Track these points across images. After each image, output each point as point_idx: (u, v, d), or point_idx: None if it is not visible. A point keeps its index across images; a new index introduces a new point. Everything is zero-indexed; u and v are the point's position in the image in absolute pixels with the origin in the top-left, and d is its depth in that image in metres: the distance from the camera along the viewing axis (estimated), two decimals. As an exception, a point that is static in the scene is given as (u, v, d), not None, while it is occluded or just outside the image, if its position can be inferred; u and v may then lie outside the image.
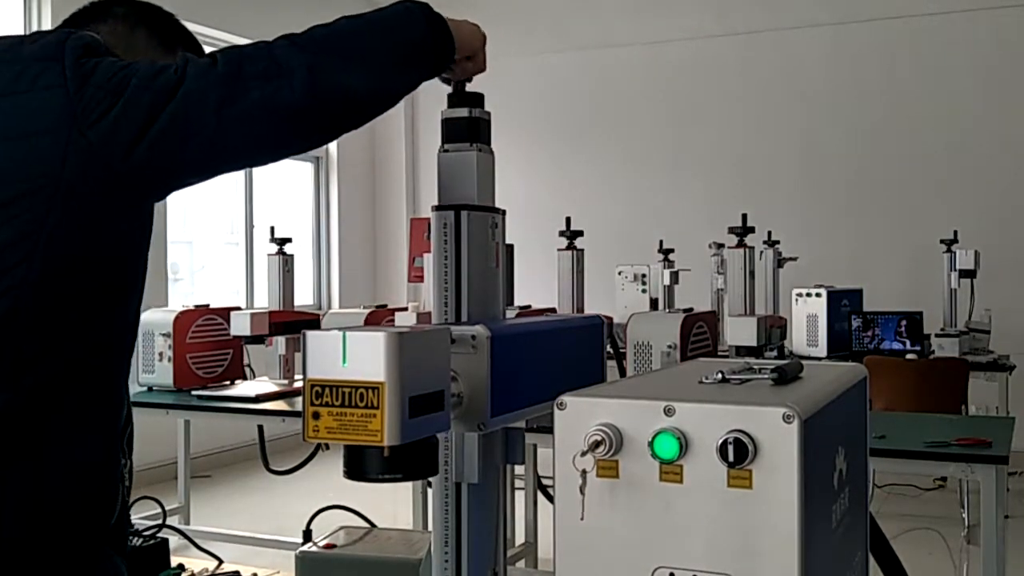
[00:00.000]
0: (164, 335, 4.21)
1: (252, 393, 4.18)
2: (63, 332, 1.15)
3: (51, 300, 1.13)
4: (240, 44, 1.23)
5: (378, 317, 4.40)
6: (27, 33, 1.31)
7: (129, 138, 1.14)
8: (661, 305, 5.96)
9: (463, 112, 1.40)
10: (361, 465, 1.08)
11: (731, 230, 4.40)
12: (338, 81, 1.19)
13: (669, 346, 2.89)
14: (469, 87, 1.42)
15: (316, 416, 1.04)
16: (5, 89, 1.16)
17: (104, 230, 1.18)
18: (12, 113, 1.15)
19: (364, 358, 1.03)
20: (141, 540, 1.89)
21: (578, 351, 1.51)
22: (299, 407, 3.88)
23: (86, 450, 1.18)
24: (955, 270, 5.86)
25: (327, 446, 1.09)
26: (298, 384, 4.20)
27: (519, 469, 4.54)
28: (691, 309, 3.19)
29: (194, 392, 4.23)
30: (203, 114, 1.15)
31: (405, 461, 1.08)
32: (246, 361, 4.62)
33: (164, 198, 1.25)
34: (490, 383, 1.22)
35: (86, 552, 1.18)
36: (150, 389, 4.28)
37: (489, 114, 1.42)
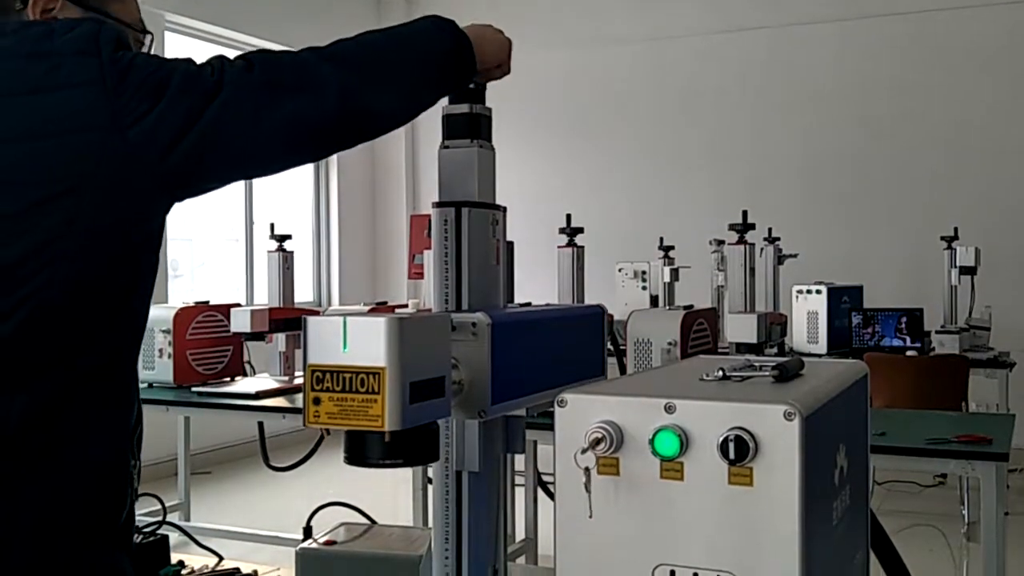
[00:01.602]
0: (164, 331, 4.21)
1: (252, 390, 4.18)
2: (84, 334, 1.15)
3: (76, 302, 1.12)
4: (271, 50, 1.24)
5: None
6: (53, 20, 1.27)
7: (167, 141, 1.13)
8: (661, 302, 5.96)
9: (464, 108, 1.40)
10: (362, 450, 1.08)
11: (731, 227, 4.40)
12: (366, 101, 1.23)
13: (669, 343, 2.89)
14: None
15: (317, 401, 1.04)
16: (39, 84, 1.13)
17: (131, 231, 1.17)
18: (46, 110, 1.13)
19: (365, 343, 1.03)
20: (141, 537, 1.89)
21: (578, 340, 1.51)
22: (299, 404, 3.88)
23: (101, 452, 1.18)
24: (956, 267, 5.86)
25: (328, 432, 1.09)
26: (298, 381, 4.20)
27: (519, 465, 4.55)
28: (691, 306, 3.19)
29: (194, 389, 4.23)
30: (240, 122, 1.16)
31: (406, 446, 1.08)
32: (246, 358, 4.62)
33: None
34: (491, 370, 1.22)
35: (96, 552, 1.18)
36: (150, 385, 4.28)
37: (490, 110, 1.42)
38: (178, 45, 6.78)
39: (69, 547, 1.15)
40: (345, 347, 1.03)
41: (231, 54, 1.23)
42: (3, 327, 1.09)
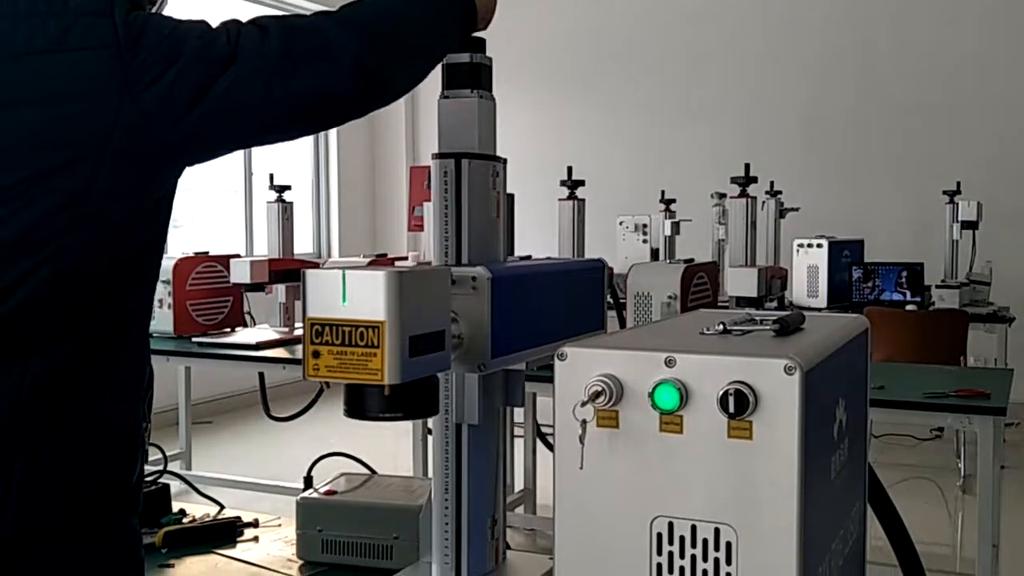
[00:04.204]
0: (164, 282, 4.21)
1: (252, 340, 4.19)
2: (98, 299, 1.14)
3: (91, 268, 1.12)
4: (286, 16, 1.22)
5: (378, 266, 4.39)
6: None
7: (180, 108, 1.12)
8: (662, 256, 5.95)
9: (464, 57, 1.38)
10: (361, 404, 1.09)
11: (733, 180, 4.38)
12: (382, 73, 1.21)
13: (669, 297, 2.89)
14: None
15: (316, 355, 1.04)
16: (52, 45, 1.11)
17: (145, 197, 1.16)
18: (60, 73, 1.10)
19: (364, 297, 1.03)
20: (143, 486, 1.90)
21: (579, 294, 1.51)
22: (299, 355, 3.90)
23: (115, 416, 1.18)
24: (957, 221, 5.84)
25: (328, 384, 1.09)
26: (298, 332, 4.21)
27: (519, 417, 4.58)
28: (692, 260, 3.18)
29: (194, 339, 4.24)
30: (255, 92, 1.15)
31: (405, 400, 1.08)
32: (246, 309, 4.63)
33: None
34: (491, 324, 1.21)
35: (107, 514, 1.19)
36: (151, 336, 4.29)
37: (491, 59, 1.40)
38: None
39: (83, 508, 1.16)
40: (344, 300, 1.03)
41: (245, 9, 1.21)
42: (22, 290, 1.09)
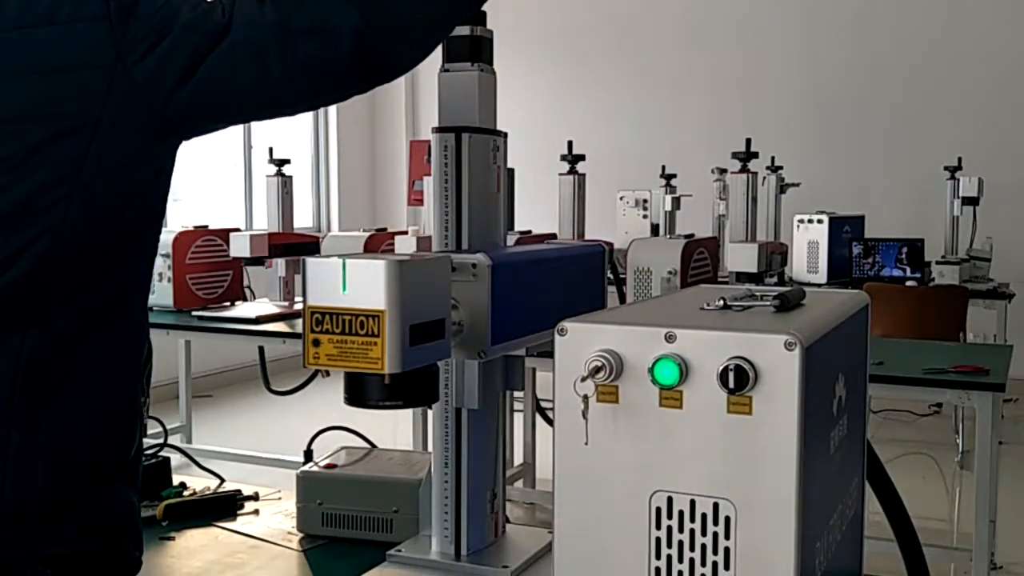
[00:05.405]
0: (164, 255, 4.21)
1: (252, 314, 4.20)
2: (97, 272, 1.14)
3: (88, 240, 1.11)
4: None
5: (378, 241, 4.39)
6: None
7: (173, 80, 1.11)
8: (662, 231, 5.95)
9: (465, 30, 1.37)
10: (361, 392, 1.09)
11: (734, 155, 4.37)
12: (382, 49, 1.17)
13: (669, 272, 2.89)
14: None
15: (316, 343, 1.04)
16: (43, 18, 1.10)
17: (140, 170, 1.16)
18: (52, 45, 1.10)
19: (364, 286, 1.02)
20: (143, 459, 1.90)
21: (579, 279, 1.50)
22: (299, 328, 3.91)
23: (113, 388, 1.18)
24: (958, 197, 5.83)
25: (327, 372, 1.09)
26: (298, 306, 4.21)
27: (518, 392, 4.59)
28: (692, 235, 3.18)
29: (194, 313, 4.24)
30: (249, 65, 1.13)
31: (405, 389, 1.08)
32: (246, 282, 4.63)
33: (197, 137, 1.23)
34: (490, 311, 1.21)
35: (105, 487, 1.19)
36: (151, 309, 4.29)
37: (491, 32, 1.39)
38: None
39: (81, 480, 1.16)
40: (345, 289, 1.03)
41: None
42: (19, 263, 1.08)
